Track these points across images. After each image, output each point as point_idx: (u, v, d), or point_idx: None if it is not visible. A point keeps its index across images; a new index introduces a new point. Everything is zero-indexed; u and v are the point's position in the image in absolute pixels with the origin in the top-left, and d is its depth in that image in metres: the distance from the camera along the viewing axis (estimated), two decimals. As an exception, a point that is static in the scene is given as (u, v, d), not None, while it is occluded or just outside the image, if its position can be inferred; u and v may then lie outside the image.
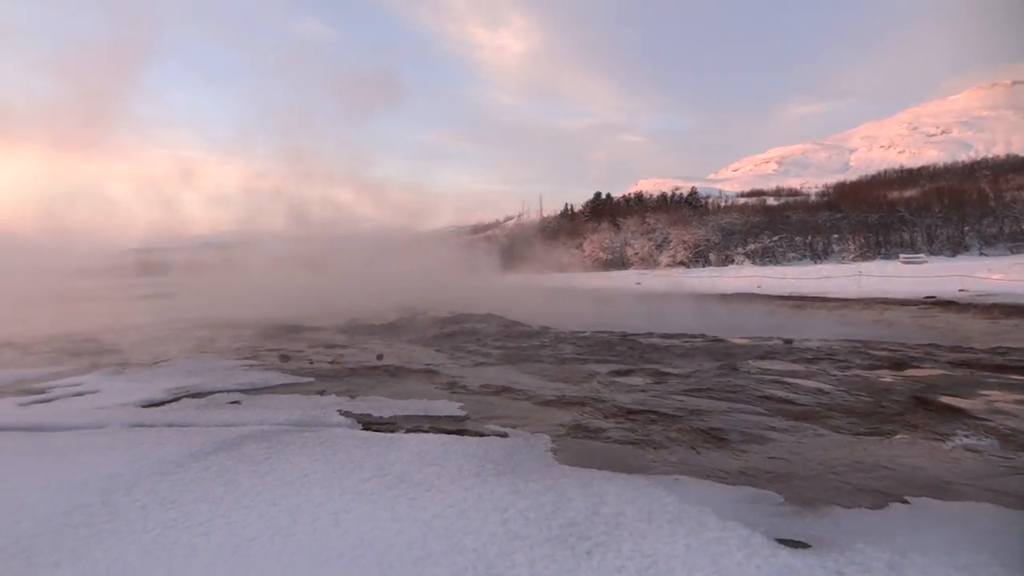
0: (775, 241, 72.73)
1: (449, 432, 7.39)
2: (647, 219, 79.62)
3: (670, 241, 74.99)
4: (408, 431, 7.53)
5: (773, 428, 7.42)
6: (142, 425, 7.78)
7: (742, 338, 15.91)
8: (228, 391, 9.98)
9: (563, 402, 9.14)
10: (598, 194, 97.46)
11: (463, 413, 8.51)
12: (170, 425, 7.74)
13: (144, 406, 8.96)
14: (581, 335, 17.13)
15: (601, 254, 77.99)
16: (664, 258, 73.46)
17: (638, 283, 44.51)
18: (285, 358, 13.59)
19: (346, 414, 8.30)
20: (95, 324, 21.41)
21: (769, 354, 13.10)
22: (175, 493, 5.25)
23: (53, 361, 13.89)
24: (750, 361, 12.16)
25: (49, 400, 9.58)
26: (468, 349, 15.08)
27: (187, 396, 9.59)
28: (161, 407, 8.90)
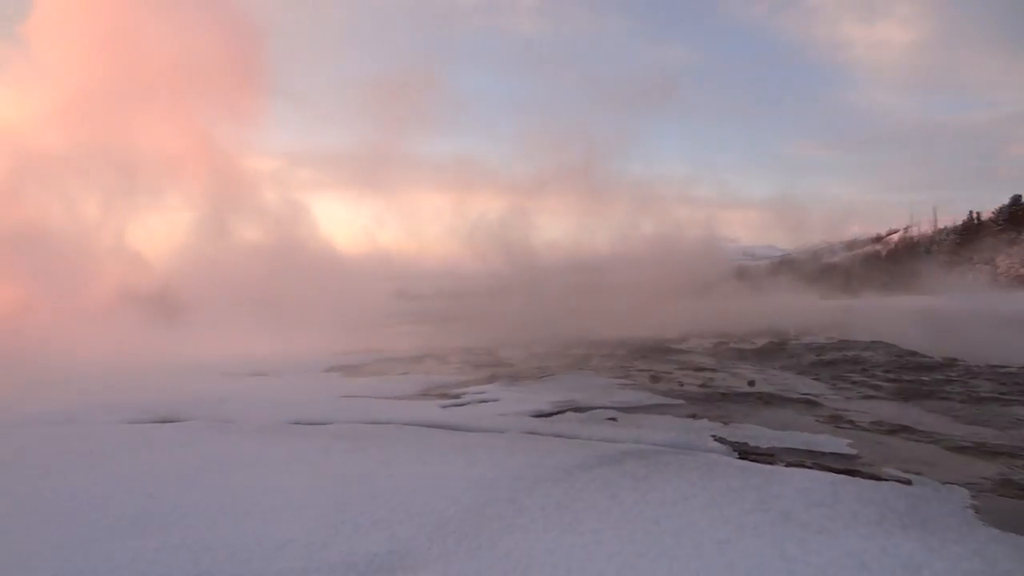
0: None
1: (836, 471, 6.73)
2: (1094, 225, 62.66)
3: None
4: (788, 465, 7.09)
5: None
6: (534, 433, 8.69)
7: None
8: (605, 408, 10.59)
9: (982, 450, 7.67)
10: (1016, 197, 79.78)
11: (852, 451, 7.69)
12: (558, 435, 8.51)
13: (535, 416, 10.02)
14: (1003, 370, 14.17)
15: (1022, 270, 63.78)
16: (1123, 274, 57.03)
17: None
18: (655, 379, 13.94)
19: (720, 440, 8.15)
20: (488, 340, 24.66)
21: None
22: (567, 499, 5.72)
23: (461, 371, 16.37)
24: None
25: (463, 404, 11.33)
26: (852, 380, 13.62)
27: (570, 410, 10.44)
28: (549, 418, 9.85)
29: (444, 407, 10.95)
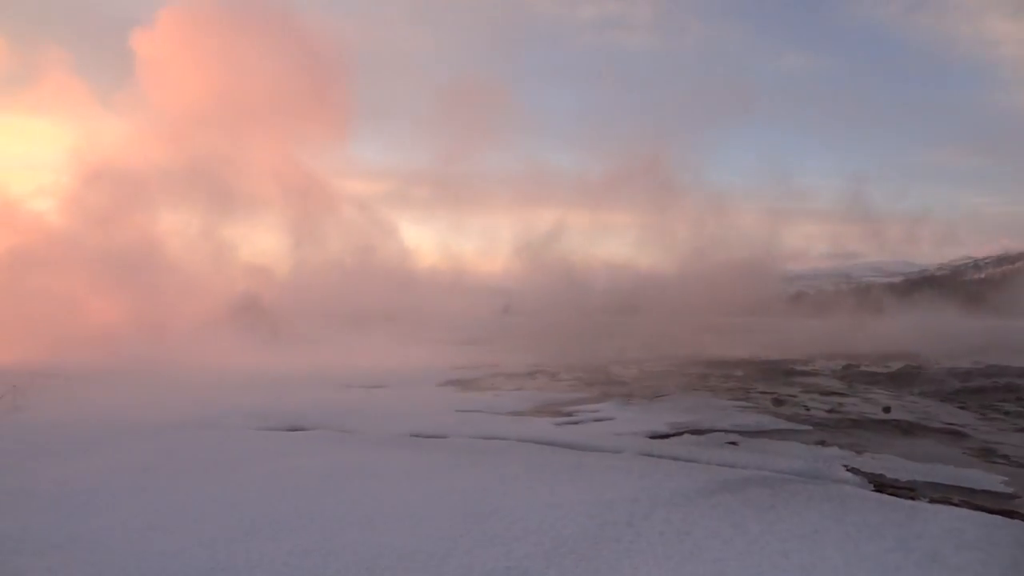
0: None
1: (991, 511, 6.13)
2: None
3: None
4: (933, 501, 6.53)
5: None
6: (651, 455, 8.48)
7: None
8: (725, 431, 10.19)
9: None
10: None
11: (1008, 490, 6.99)
12: (675, 459, 8.25)
13: (651, 437, 9.78)
14: None
15: None
16: None
17: None
18: (778, 402, 13.27)
19: (853, 470, 7.63)
20: (598, 356, 24.39)
21: None
22: (687, 525, 5.53)
23: (573, 388, 16.27)
24: None
25: (576, 423, 11.25)
26: (1005, 410, 12.39)
27: (687, 432, 10.12)
28: (666, 440, 9.58)
29: (558, 425, 10.91)
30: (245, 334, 26.94)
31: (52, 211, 28.99)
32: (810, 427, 10.68)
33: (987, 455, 8.73)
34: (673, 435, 9.95)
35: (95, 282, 25.94)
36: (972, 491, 6.99)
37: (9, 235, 26.84)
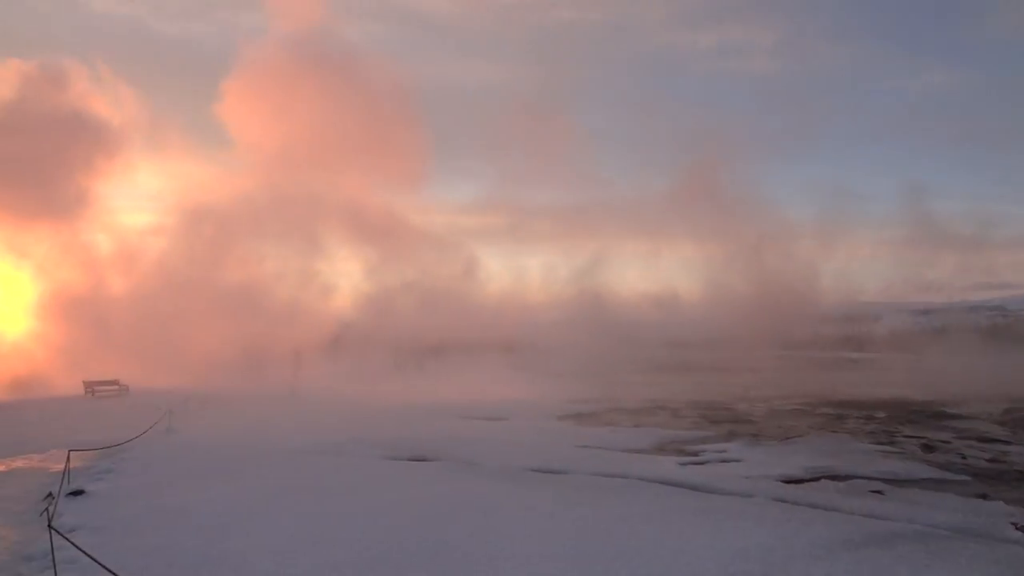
0: None
1: None
2: None
3: None
4: None
5: None
6: (784, 501, 7.96)
7: None
8: (868, 478, 9.42)
9: None
10: None
11: None
12: (812, 506, 7.71)
13: (784, 481, 9.21)
14: None
15: None
16: None
17: None
18: (929, 448, 12.12)
19: (1024, 530, 6.80)
20: (724, 393, 23.35)
21: None
22: (829, 581, 5.11)
23: (697, 425, 15.65)
24: None
25: (701, 463, 10.78)
26: None
27: (825, 477, 9.45)
28: (801, 485, 8.98)
29: (682, 464, 10.51)
30: (359, 363, 28.30)
31: (167, 251, 32.00)
32: (968, 477, 9.68)
33: None
34: (809, 480, 9.32)
35: (215, 315, 28.43)
36: None
37: (135, 275, 29.96)
